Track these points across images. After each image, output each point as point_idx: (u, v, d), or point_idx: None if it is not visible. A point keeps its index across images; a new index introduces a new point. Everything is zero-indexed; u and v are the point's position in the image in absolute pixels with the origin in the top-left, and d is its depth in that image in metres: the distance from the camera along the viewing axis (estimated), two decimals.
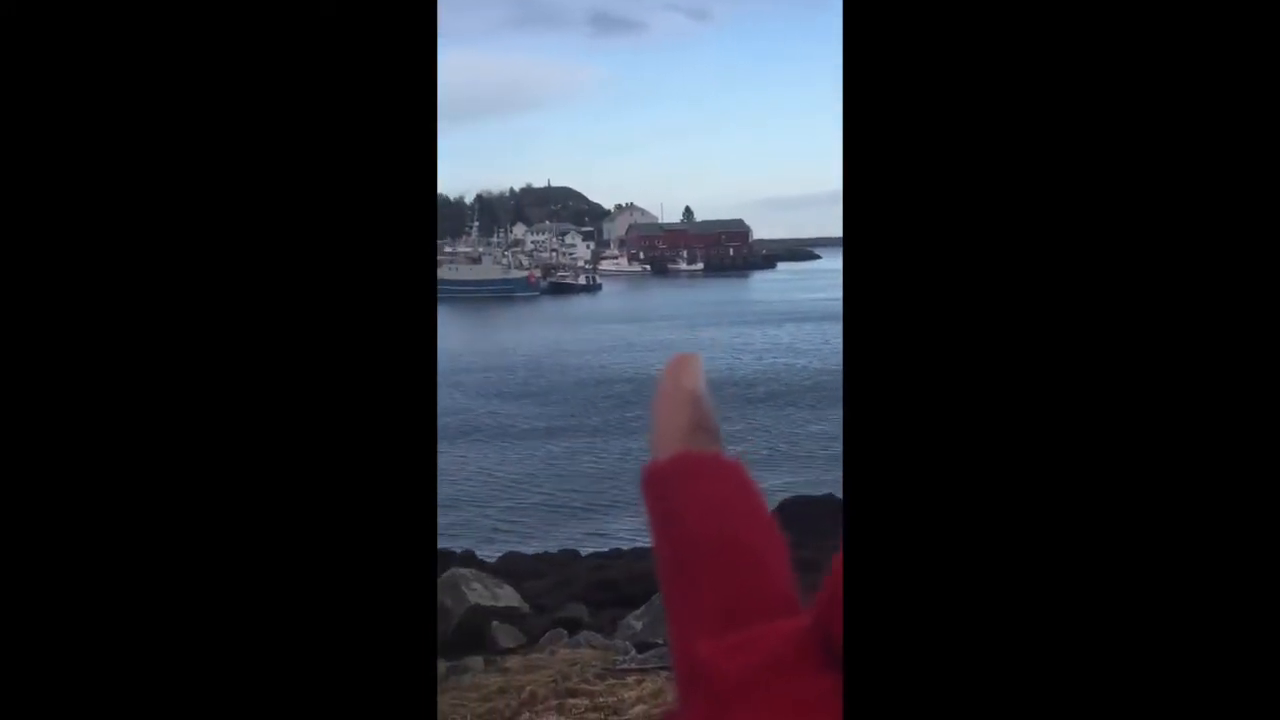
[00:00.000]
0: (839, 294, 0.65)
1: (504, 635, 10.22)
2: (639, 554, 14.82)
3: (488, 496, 19.17)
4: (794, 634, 0.58)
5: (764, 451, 20.36)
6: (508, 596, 11.31)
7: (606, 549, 15.83)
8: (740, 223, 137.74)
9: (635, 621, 8.93)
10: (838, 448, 0.73)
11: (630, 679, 5.85)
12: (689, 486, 0.65)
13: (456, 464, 20.36)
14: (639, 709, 5.06)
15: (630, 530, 15.98)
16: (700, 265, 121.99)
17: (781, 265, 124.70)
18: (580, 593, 12.17)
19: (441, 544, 15.93)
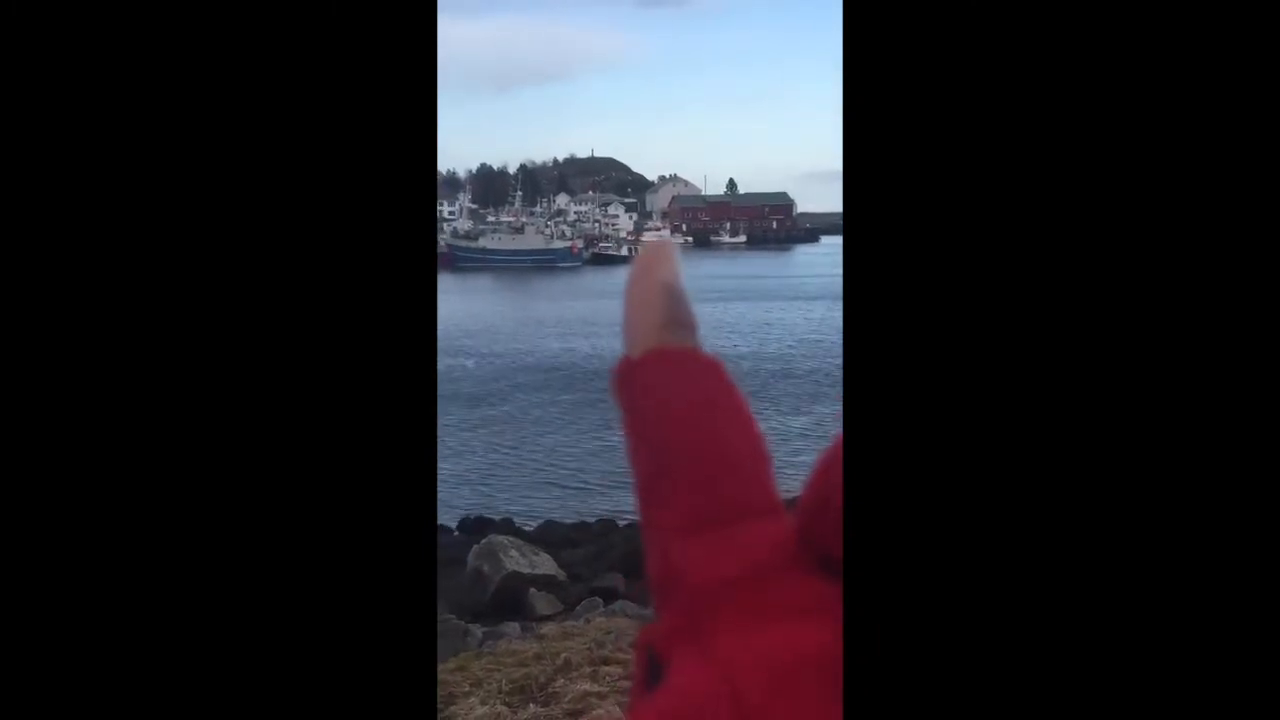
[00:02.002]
0: None
1: (541, 602, 10.33)
2: None
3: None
4: (776, 537, 0.56)
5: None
6: (545, 565, 11.41)
7: None
8: (784, 195, 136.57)
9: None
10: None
11: None
12: (664, 384, 0.61)
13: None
14: None
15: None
16: (743, 238, 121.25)
17: (825, 239, 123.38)
18: (617, 562, 12.23)
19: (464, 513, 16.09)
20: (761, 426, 0.64)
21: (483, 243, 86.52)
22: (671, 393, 0.61)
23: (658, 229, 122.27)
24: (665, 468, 0.59)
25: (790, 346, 34.38)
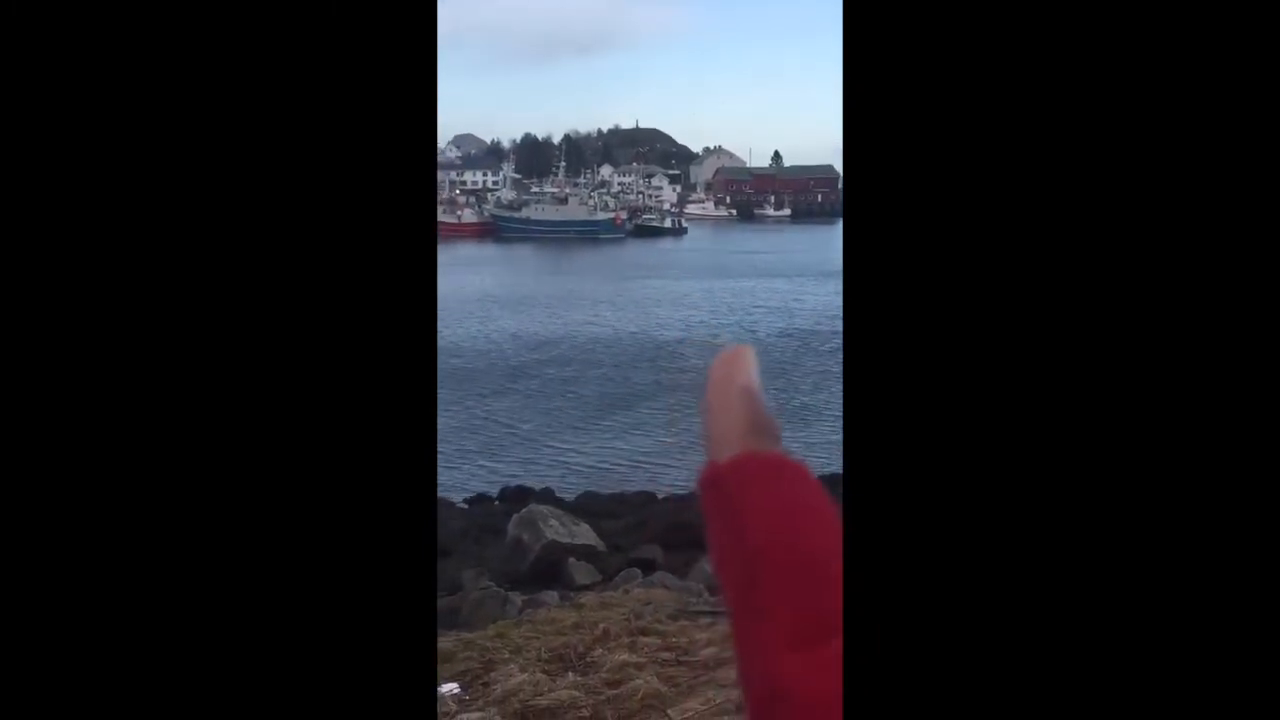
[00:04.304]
0: None
1: (580, 572, 10.42)
2: None
3: None
4: None
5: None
6: (584, 535, 11.49)
7: (684, 492, 15.93)
8: (830, 168, 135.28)
9: (710, 564, 8.97)
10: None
11: (702, 620, 5.92)
12: (752, 491, 0.61)
13: None
14: (710, 650, 5.12)
15: None
16: (787, 211, 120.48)
17: None
18: (656, 534, 12.27)
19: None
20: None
21: (526, 213, 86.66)
22: (759, 500, 0.60)
23: (701, 201, 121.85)
24: (758, 578, 0.59)
25: (787, 334, 33.96)
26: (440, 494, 14.47)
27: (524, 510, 12.03)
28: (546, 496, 15.06)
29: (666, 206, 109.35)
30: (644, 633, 5.58)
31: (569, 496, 15.54)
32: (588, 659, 5.19)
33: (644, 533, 12.59)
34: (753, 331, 33.29)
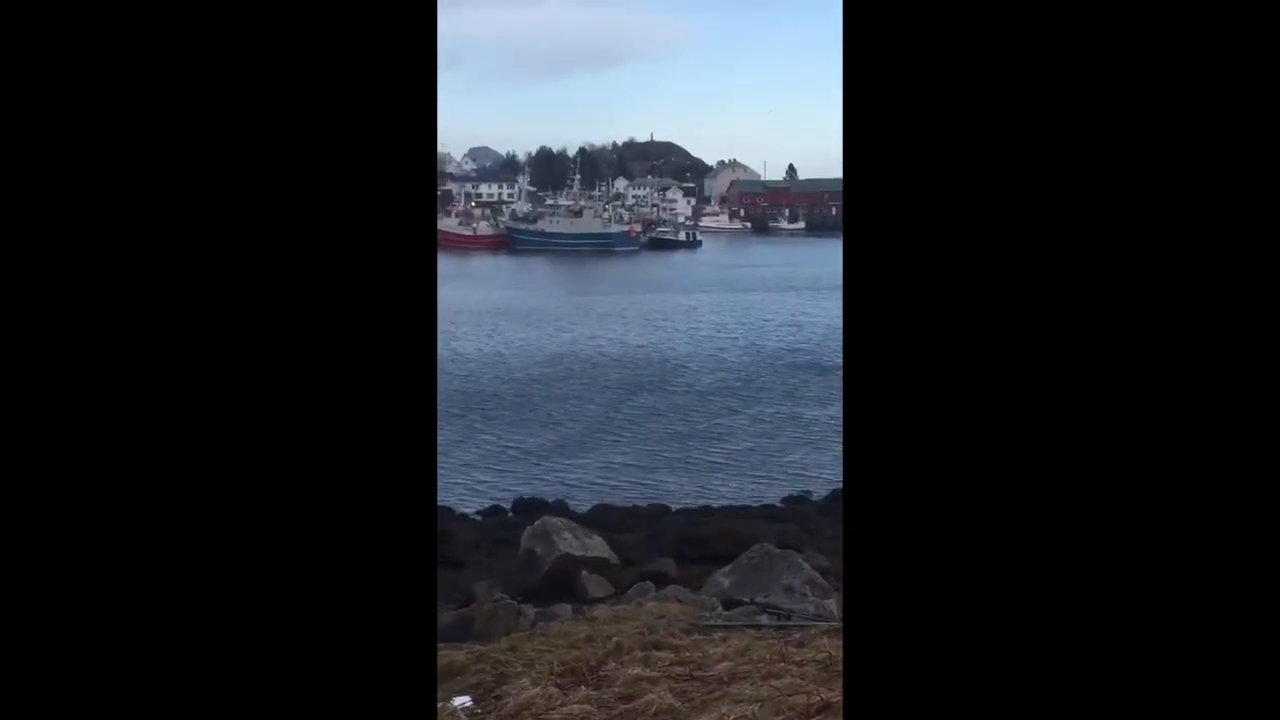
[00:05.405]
0: None
1: (592, 585, 10.40)
2: (729, 512, 14.84)
3: None
4: None
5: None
6: (597, 547, 11.47)
7: (697, 505, 15.90)
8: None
9: (723, 579, 8.96)
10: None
11: (716, 635, 5.89)
12: None
13: None
14: (724, 665, 5.09)
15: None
16: (802, 224, 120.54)
17: None
18: (669, 547, 12.24)
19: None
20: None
21: (541, 225, 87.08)
22: None
23: (716, 214, 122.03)
24: None
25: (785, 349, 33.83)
26: (453, 506, 14.47)
27: (537, 522, 12.02)
28: (559, 509, 15.04)
29: (681, 219, 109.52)
30: (657, 647, 5.56)
31: (582, 509, 15.53)
32: (600, 673, 5.16)
33: (657, 545, 12.56)
34: (759, 345, 33.32)
